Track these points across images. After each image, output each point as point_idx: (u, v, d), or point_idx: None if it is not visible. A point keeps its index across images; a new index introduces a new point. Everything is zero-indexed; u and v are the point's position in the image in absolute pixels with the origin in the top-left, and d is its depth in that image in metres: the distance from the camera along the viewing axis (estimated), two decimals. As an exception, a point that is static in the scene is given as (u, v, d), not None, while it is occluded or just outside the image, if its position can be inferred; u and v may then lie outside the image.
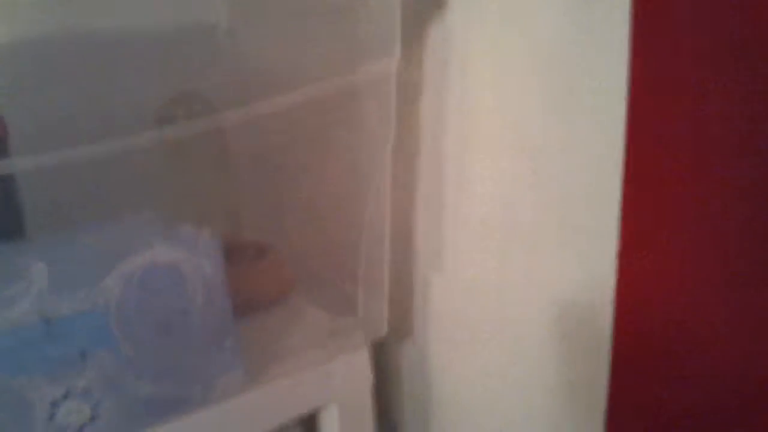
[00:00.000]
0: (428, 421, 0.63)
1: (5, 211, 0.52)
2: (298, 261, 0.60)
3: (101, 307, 0.43)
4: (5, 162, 0.51)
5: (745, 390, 0.39)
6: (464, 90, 0.52)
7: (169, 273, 0.44)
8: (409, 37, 0.52)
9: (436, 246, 0.56)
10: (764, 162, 0.35)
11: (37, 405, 0.42)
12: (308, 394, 0.55)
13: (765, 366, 0.38)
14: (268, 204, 0.62)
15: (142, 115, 0.59)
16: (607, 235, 0.43)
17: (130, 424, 0.45)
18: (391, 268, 0.55)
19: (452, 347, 0.59)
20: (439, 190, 0.55)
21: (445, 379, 0.61)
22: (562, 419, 0.51)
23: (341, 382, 0.57)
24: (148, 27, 0.60)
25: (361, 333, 0.56)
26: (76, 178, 0.49)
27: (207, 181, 0.61)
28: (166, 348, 0.45)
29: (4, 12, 0.54)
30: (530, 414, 0.53)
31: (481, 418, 0.59)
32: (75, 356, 0.42)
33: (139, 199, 0.56)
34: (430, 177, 0.56)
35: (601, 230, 0.44)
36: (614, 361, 0.46)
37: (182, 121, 0.61)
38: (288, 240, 0.60)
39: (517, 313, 0.52)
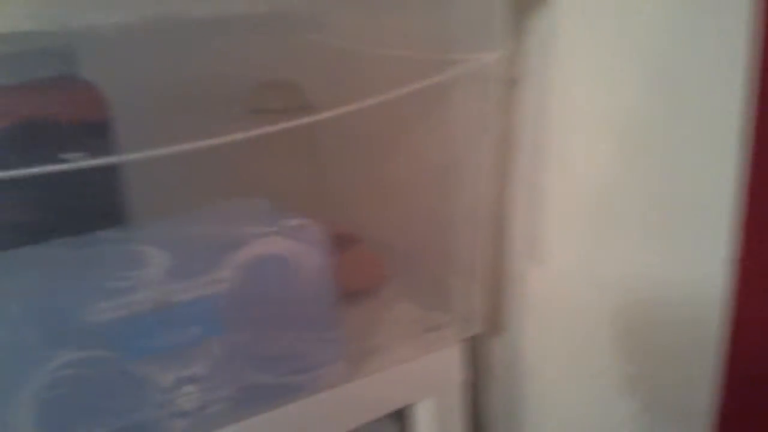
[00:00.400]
0: (520, 418, 0.63)
1: (108, 197, 0.54)
2: (392, 254, 0.60)
3: (215, 295, 0.43)
4: (110, 148, 0.53)
5: None
6: (566, 82, 0.52)
7: (279, 263, 0.45)
8: (513, 29, 0.51)
9: (533, 238, 0.56)
10: None
11: (154, 387, 0.43)
12: (403, 389, 0.55)
13: None
14: (361, 195, 0.62)
15: (234, 102, 0.60)
16: (716, 235, 0.42)
17: (238, 409, 0.46)
18: (487, 259, 0.55)
19: (547, 343, 0.58)
20: (537, 181, 0.55)
21: (538, 377, 0.60)
22: (661, 422, 0.50)
23: (435, 378, 0.57)
24: (241, 14, 0.61)
25: (455, 329, 0.56)
26: (170, 164, 0.49)
27: (296, 170, 0.61)
28: (275, 337, 0.46)
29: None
30: (625, 417, 0.52)
31: (575, 418, 0.58)
32: (190, 342, 0.43)
33: (232, 186, 0.57)
34: (528, 168, 0.55)
35: (709, 229, 0.43)
36: (726, 367, 0.44)
37: (274, 109, 0.62)
38: (381, 232, 0.60)
39: (617, 310, 0.51)
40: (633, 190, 0.48)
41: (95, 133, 0.52)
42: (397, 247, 0.62)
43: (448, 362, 0.56)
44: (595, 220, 0.50)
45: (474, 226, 0.55)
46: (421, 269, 0.61)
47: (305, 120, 0.49)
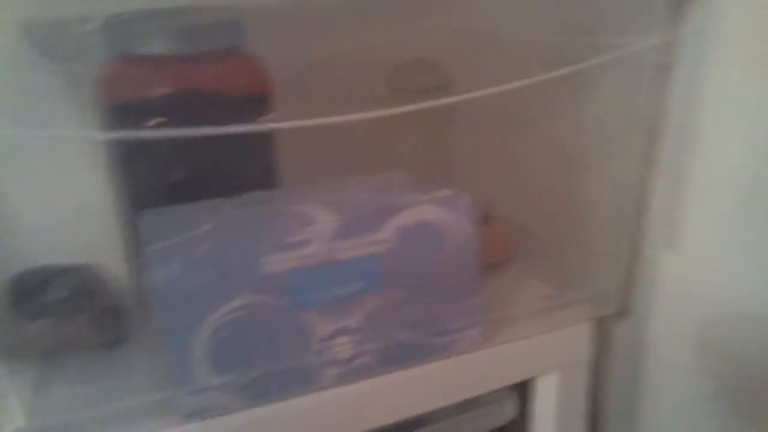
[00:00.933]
0: (636, 401, 0.63)
1: (265, 163, 0.58)
2: (522, 233, 0.62)
3: (375, 255, 0.47)
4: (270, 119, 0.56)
5: None
6: (721, 70, 0.52)
7: (432, 230, 0.48)
8: (669, 15, 0.52)
9: (670, 224, 0.56)
10: None
11: (315, 335, 0.47)
12: (532, 361, 0.57)
13: None
14: (497, 174, 0.64)
15: (380, 80, 0.63)
16: None
17: (385, 363, 0.50)
18: (623, 243, 0.56)
19: (671, 330, 0.59)
20: (681, 168, 0.55)
21: (658, 362, 0.60)
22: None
23: (563, 354, 0.58)
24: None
25: (587, 307, 0.57)
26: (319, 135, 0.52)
27: (434, 147, 0.64)
28: (424, 298, 0.49)
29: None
30: (744, 416, 0.53)
31: (690, 408, 0.58)
32: (349, 297, 0.47)
33: (375, 160, 0.60)
34: (673, 155, 0.56)
35: None
36: None
37: (415, 88, 0.64)
38: (513, 211, 0.62)
39: (750, 308, 0.51)
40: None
41: (256, 102, 0.56)
42: (528, 227, 0.63)
43: (576, 340, 0.58)
44: (741, 214, 0.50)
45: (612, 210, 0.56)
46: (551, 248, 0.62)
47: (448, 100, 0.51)
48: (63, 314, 0.54)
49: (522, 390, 0.63)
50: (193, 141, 0.50)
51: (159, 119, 0.51)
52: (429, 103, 0.51)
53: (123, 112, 0.51)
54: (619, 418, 0.66)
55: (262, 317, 0.45)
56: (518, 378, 0.58)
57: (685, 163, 0.54)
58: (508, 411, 0.62)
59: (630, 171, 0.56)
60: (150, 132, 0.49)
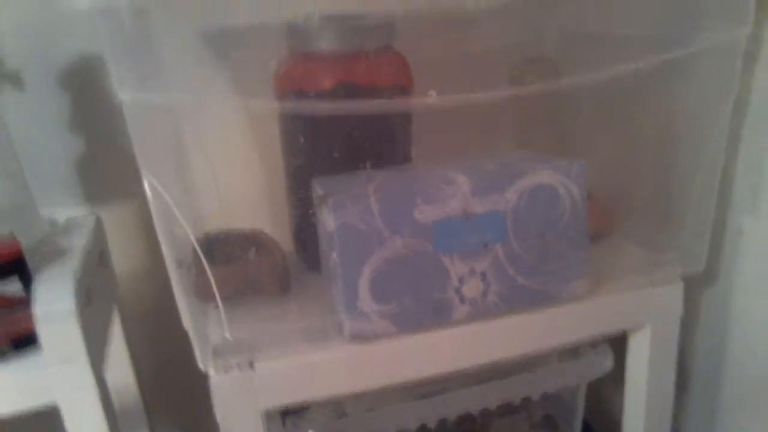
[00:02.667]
0: (721, 359, 0.72)
1: (404, 143, 0.70)
2: (622, 204, 0.72)
3: (502, 211, 0.58)
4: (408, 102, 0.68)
5: None
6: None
7: (549, 191, 0.59)
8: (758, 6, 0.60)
9: (755, 195, 0.64)
10: None
11: (452, 275, 0.58)
12: (629, 314, 0.67)
13: None
14: (603, 153, 0.74)
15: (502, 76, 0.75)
16: None
17: (505, 305, 0.61)
18: (711, 210, 0.65)
19: (755, 291, 0.67)
20: (765, 140, 0.63)
21: (743, 321, 0.69)
22: None
23: (657, 308, 0.67)
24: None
25: (679, 267, 0.66)
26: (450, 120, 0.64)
27: (546, 128, 0.74)
28: (540, 250, 0.60)
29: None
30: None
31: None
32: (480, 245, 0.58)
33: (496, 142, 0.71)
34: (758, 128, 0.64)
35: None
36: None
37: (532, 82, 0.75)
38: (617, 185, 0.72)
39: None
40: None
41: (401, 93, 0.68)
42: (628, 200, 0.73)
43: (669, 296, 0.67)
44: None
45: (701, 182, 0.65)
46: (649, 218, 0.72)
47: (554, 84, 0.62)
48: (244, 264, 0.67)
49: (618, 348, 0.72)
50: (350, 122, 0.63)
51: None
52: (534, 87, 0.61)
53: (297, 99, 0.65)
54: (706, 375, 0.74)
55: (412, 258, 0.57)
56: (617, 327, 0.67)
57: (764, 139, 0.63)
58: (606, 363, 0.71)
59: (717, 147, 0.64)
60: (319, 107, 0.62)
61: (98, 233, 0.73)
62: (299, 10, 0.62)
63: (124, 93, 0.45)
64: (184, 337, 0.58)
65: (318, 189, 0.58)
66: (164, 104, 0.48)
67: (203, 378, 0.58)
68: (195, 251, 0.61)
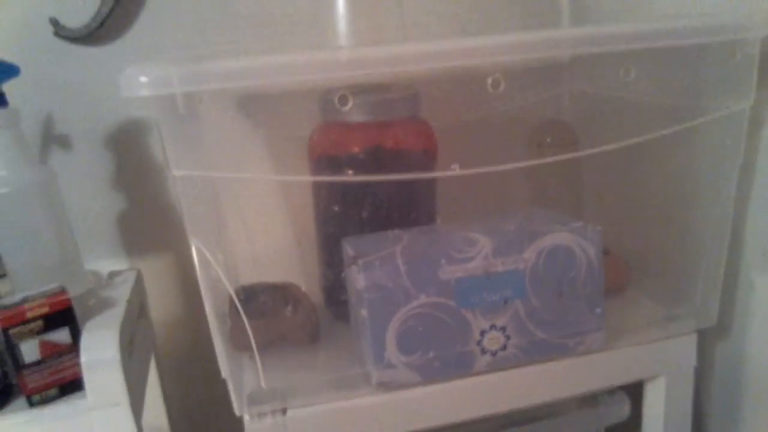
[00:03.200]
0: (736, 411, 0.74)
1: (429, 206, 0.75)
2: (639, 261, 0.76)
3: (521, 270, 0.62)
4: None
5: None
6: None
7: (566, 251, 0.63)
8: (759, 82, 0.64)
9: (764, 246, 0.67)
10: None
11: (474, 329, 0.62)
12: (644, 364, 0.70)
13: None
14: (615, 213, 0.78)
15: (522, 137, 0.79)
16: None
17: (525, 357, 0.64)
18: (723, 266, 0.69)
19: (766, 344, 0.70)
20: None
21: (758, 375, 0.71)
22: None
23: (671, 359, 0.70)
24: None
25: (692, 320, 0.70)
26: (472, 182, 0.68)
27: (565, 191, 0.79)
28: (558, 306, 0.63)
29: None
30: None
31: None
32: (501, 301, 0.62)
33: (517, 200, 0.75)
34: (766, 187, 0.67)
35: None
36: None
37: (551, 143, 0.80)
38: (631, 243, 0.76)
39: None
40: None
41: (425, 156, 0.73)
42: (642, 257, 0.77)
43: (683, 348, 0.70)
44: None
45: (713, 240, 0.69)
46: (663, 274, 0.75)
47: (576, 155, 0.66)
48: (277, 316, 0.72)
49: (635, 397, 0.75)
50: (378, 186, 0.68)
51: (355, 169, 0.69)
52: (553, 158, 0.66)
53: (328, 164, 0.70)
54: (722, 423, 0.77)
55: (436, 313, 0.61)
56: (632, 378, 0.70)
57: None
58: (623, 411, 0.74)
59: (727, 206, 0.68)
60: (347, 178, 0.67)
61: (139, 286, 0.78)
62: (332, 81, 0.66)
63: (178, 170, 0.50)
64: (214, 382, 0.62)
65: (348, 249, 0.63)
66: (210, 179, 0.53)
67: (232, 421, 0.62)
68: (231, 303, 0.66)
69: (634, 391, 0.74)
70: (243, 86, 0.50)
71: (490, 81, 0.55)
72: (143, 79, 0.49)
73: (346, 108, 0.58)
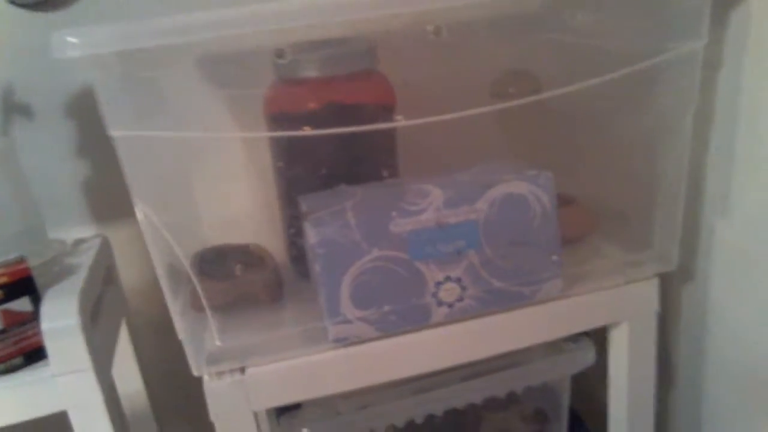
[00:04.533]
0: (702, 355, 0.75)
1: (389, 157, 0.74)
2: (600, 207, 0.75)
3: (474, 220, 0.62)
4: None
5: None
6: (759, 65, 0.63)
7: (519, 200, 0.62)
8: (713, 19, 0.63)
9: (722, 195, 0.67)
10: None
11: (429, 281, 0.62)
12: (607, 311, 0.70)
13: None
14: (579, 161, 0.77)
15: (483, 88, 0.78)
16: None
17: (480, 307, 0.64)
18: (682, 211, 0.68)
19: (732, 289, 0.70)
20: (730, 143, 0.66)
21: (723, 319, 0.71)
22: None
23: (633, 305, 0.71)
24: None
25: (653, 265, 0.70)
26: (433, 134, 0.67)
27: (529, 141, 0.78)
28: (512, 255, 0.63)
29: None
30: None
31: (755, 357, 0.69)
32: (454, 253, 0.62)
33: (481, 151, 0.74)
34: (722, 137, 0.67)
35: None
36: None
37: (514, 95, 0.79)
38: (594, 191, 0.75)
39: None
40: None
41: (384, 111, 0.72)
42: (606, 204, 0.76)
43: (645, 293, 0.70)
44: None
45: (674, 185, 0.68)
46: (624, 220, 0.75)
47: (535, 98, 0.65)
48: (238, 276, 0.72)
49: (600, 343, 0.75)
50: (335, 143, 0.67)
51: (312, 126, 0.68)
52: (516, 102, 0.65)
53: (284, 121, 0.69)
54: (687, 372, 0.77)
55: (390, 266, 0.61)
56: (593, 324, 0.70)
57: (731, 144, 0.66)
58: (588, 357, 0.75)
59: (683, 149, 0.67)
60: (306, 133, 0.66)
61: (104, 252, 0.78)
62: (285, 37, 0.65)
63: (115, 130, 0.49)
64: None
65: (302, 206, 0.63)
66: (154, 139, 0.53)
67: None
68: (192, 265, 0.66)
69: (599, 338, 0.74)
70: (175, 43, 0.49)
71: (430, 29, 0.53)
72: (72, 39, 0.48)
73: (284, 62, 0.57)
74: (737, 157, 0.65)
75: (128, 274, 0.86)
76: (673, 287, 0.75)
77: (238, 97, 0.74)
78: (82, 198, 0.87)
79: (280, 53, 0.55)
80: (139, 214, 0.54)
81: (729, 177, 0.67)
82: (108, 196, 0.87)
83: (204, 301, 0.60)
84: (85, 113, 0.83)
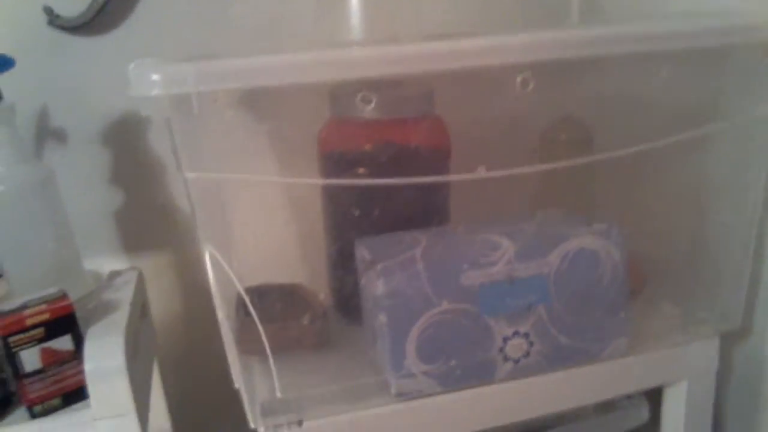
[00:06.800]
0: (756, 414, 0.73)
1: (442, 204, 0.72)
2: (660, 264, 0.73)
3: (545, 274, 0.60)
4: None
5: None
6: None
7: (590, 255, 0.60)
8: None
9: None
10: None
11: (497, 336, 0.60)
12: (667, 369, 0.68)
13: None
14: (635, 213, 0.75)
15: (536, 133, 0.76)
16: None
17: (546, 364, 0.62)
18: (746, 269, 0.67)
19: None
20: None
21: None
22: None
23: (693, 363, 0.69)
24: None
25: (716, 324, 0.68)
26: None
27: (581, 191, 0.76)
28: (580, 311, 0.61)
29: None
30: None
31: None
32: (524, 307, 0.60)
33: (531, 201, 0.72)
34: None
35: None
36: None
37: (564, 140, 0.77)
38: (649, 245, 0.74)
39: None
40: None
41: (439, 154, 0.70)
42: (664, 258, 0.75)
43: (706, 352, 0.68)
44: None
45: (734, 243, 0.67)
46: (685, 276, 0.73)
47: (594, 158, 0.63)
48: (288, 319, 0.69)
49: (653, 399, 0.73)
50: (390, 185, 0.65)
51: (366, 167, 0.66)
52: (570, 162, 0.63)
53: (338, 161, 0.67)
54: (740, 426, 0.75)
55: (459, 320, 0.59)
56: (655, 383, 0.68)
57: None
58: (642, 415, 0.73)
59: (749, 209, 0.66)
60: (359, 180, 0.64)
61: (140, 286, 0.75)
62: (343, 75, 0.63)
63: (191, 172, 0.47)
64: (216, 382, 0.59)
65: (364, 252, 0.60)
66: (221, 180, 0.50)
67: (237, 423, 0.59)
68: (238, 307, 0.63)
69: (653, 394, 0.72)
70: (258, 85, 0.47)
71: (519, 80, 0.52)
72: (155, 77, 0.45)
73: (370, 107, 0.55)
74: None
75: (154, 308, 0.83)
76: (728, 345, 0.73)
77: (292, 135, 0.72)
78: (111, 228, 0.84)
79: (367, 99, 0.53)
80: (207, 256, 0.51)
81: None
82: (137, 226, 0.84)
83: (266, 347, 0.56)
84: (118, 141, 0.80)
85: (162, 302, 0.86)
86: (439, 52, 0.49)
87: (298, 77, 0.49)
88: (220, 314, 0.54)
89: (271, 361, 0.57)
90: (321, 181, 0.68)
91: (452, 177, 0.60)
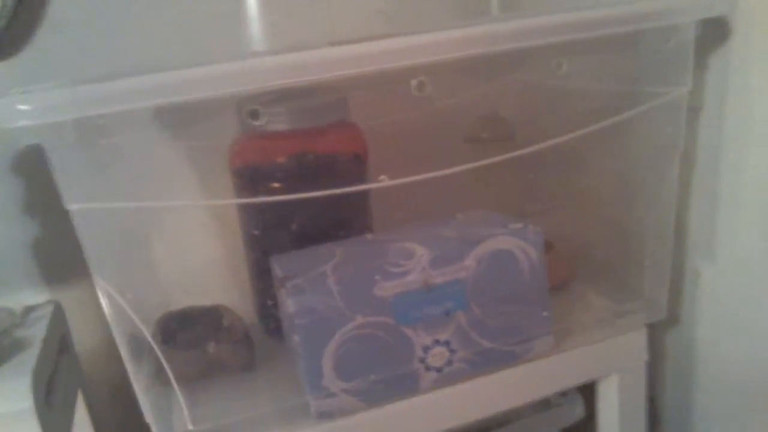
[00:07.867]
0: (690, 399, 0.73)
1: (362, 213, 0.70)
2: (582, 256, 0.73)
3: (462, 279, 0.58)
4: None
5: None
6: (741, 109, 0.62)
7: (507, 256, 0.59)
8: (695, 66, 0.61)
9: (708, 236, 0.66)
10: None
11: (416, 347, 0.58)
12: (596, 364, 0.67)
13: None
14: (558, 207, 0.75)
15: (456, 133, 0.75)
16: None
17: (470, 370, 0.61)
18: (669, 257, 0.66)
19: (719, 333, 0.68)
20: (714, 186, 0.65)
21: (710, 363, 0.70)
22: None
23: (623, 356, 0.68)
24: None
25: (643, 315, 0.67)
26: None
27: (504, 187, 0.75)
28: (501, 313, 0.60)
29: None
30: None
31: (745, 400, 0.67)
32: (442, 315, 0.58)
33: (455, 198, 0.71)
34: (706, 179, 0.66)
35: None
36: None
37: (486, 138, 0.76)
38: (574, 238, 0.73)
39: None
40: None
41: (355, 162, 0.69)
42: (587, 250, 0.74)
43: (634, 344, 0.68)
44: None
45: (657, 230, 0.66)
46: (608, 268, 0.73)
47: (517, 153, 0.62)
48: (206, 345, 0.67)
49: (588, 394, 0.73)
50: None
51: (281, 180, 0.64)
52: (497, 158, 0.62)
53: (251, 174, 0.65)
54: (675, 417, 0.75)
55: (375, 333, 0.57)
56: (584, 379, 0.68)
57: (716, 186, 0.65)
58: (576, 412, 0.72)
59: (670, 195, 0.66)
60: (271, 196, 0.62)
61: (58, 320, 0.71)
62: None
63: (73, 204, 0.44)
64: None
65: (277, 269, 0.58)
66: (114, 210, 0.48)
67: None
68: (154, 335, 0.60)
69: (587, 390, 0.72)
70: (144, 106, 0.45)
71: (414, 83, 0.50)
72: (23, 107, 0.43)
73: (259, 122, 0.53)
74: (721, 201, 0.64)
75: (79, 338, 0.80)
76: (658, 334, 0.73)
77: (200, 149, 0.70)
78: (27, 260, 0.80)
79: (255, 114, 0.51)
80: (100, 291, 0.48)
81: (713, 220, 0.65)
82: (56, 257, 0.80)
83: (170, 376, 0.54)
84: (28, 170, 0.77)
85: (87, 334, 0.82)
86: (325, 59, 0.47)
87: (187, 93, 0.47)
88: (123, 352, 0.51)
89: (177, 390, 0.55)
90: (224, 202, 0.66)
91: (352, 189, 0.58)
